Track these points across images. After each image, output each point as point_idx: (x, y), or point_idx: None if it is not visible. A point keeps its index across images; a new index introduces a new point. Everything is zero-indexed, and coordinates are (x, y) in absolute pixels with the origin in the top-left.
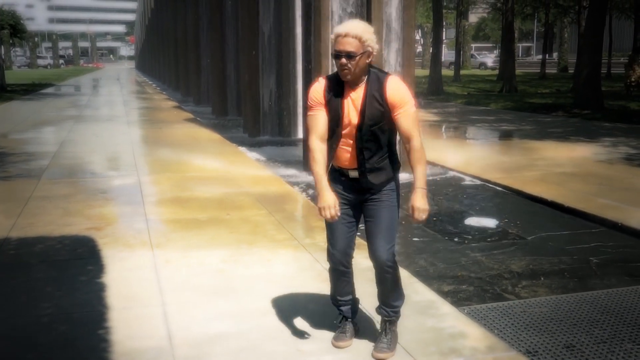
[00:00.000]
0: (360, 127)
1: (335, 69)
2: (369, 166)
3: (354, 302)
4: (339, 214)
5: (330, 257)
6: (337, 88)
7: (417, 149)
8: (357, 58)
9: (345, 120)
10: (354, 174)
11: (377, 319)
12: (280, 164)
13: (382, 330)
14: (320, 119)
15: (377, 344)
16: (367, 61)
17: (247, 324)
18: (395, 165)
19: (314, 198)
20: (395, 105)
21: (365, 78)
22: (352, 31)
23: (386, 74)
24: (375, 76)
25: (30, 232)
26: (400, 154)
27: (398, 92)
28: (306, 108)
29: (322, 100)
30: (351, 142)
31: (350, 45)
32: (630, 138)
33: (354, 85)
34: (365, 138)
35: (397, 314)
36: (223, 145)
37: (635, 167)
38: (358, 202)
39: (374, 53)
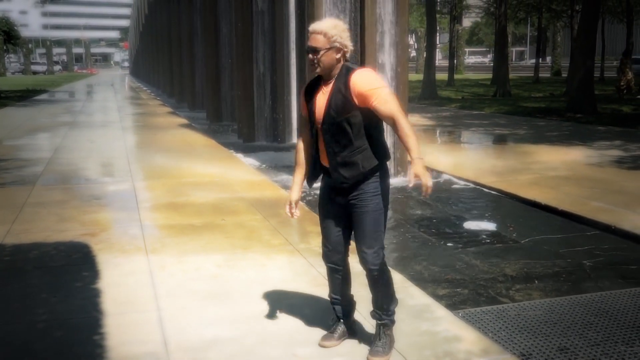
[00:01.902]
0: (324, 120)
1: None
2: (340, 160)
3: (348, 304)
4: (295, 213)
5: (323, 254)
6: (316, 87)
7: (404, 125)
8: (322, 52)
9: (317, 116)
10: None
11: (373, 324)
12: (275, 169)
13: (377, 334)
14: (304, 119)
15: (372, 348)
16: (337, 56)
17: (243, 329)
18: (376, 162)
19: (309, 202)
20: (363, 93)
21: (337, 73)
22: (317, 28)
23: (357, 67)
24: (345, 70)
25: (25, 239)
26: (394, 154)
27: (362, 79)
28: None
29: (304, 101)
30: (323, 137)
31: (315, 41)
32: (623, 141)
33: (327, 81)
34: (331, 131)
35: (390, 317)
36: (218, 150)
37: (628, 170)
38: (344, 204)
39: (346, 49)
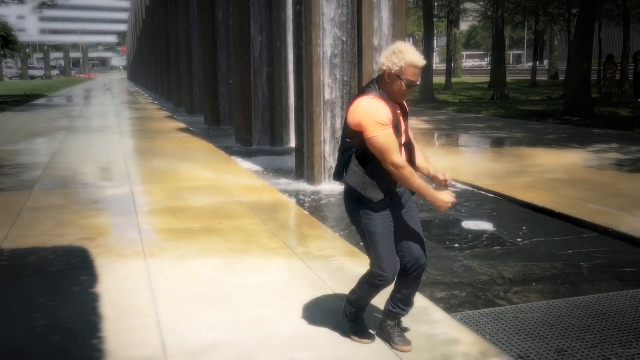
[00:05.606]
0: (408, 141)
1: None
2: None
3: None
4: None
5: (389, 275)
6: (388, 106)
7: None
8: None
9: (403, 136)
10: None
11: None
12: (273, 172)
13: (398, 325)
14: (394, 137)
15: (402, 338)
16: None
17: (241, 333)
18: None
19: (307, 206)
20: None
21: None
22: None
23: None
24: None
25: (23, 243)
26: None
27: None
28: (375, 125)
29: (392, 120)
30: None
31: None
32: (619, 144)
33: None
34: (410, 152)
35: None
36: (215, 154)
37: (625, 172)
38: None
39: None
